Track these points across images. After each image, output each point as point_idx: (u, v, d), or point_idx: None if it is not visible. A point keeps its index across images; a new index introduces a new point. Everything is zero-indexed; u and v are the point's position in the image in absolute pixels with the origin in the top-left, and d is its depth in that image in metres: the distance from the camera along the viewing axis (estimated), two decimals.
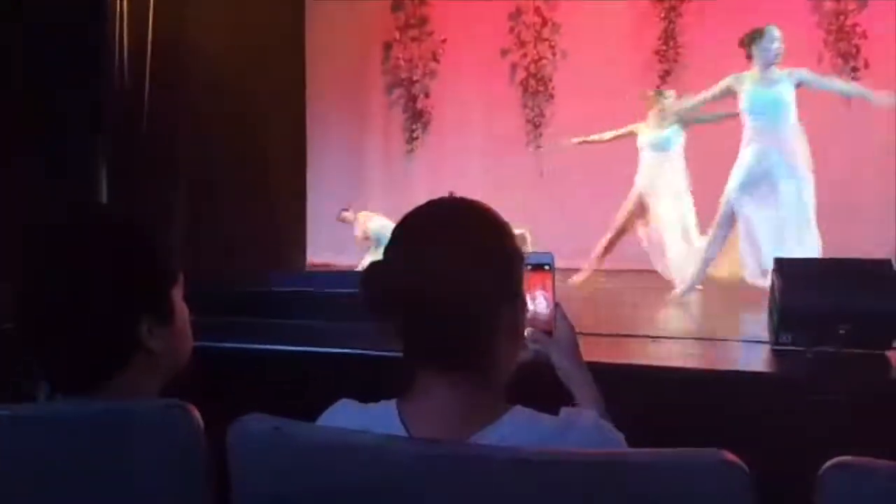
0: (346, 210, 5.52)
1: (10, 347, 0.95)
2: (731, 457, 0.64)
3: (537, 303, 1.06)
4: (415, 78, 6.02)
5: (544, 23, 5.80)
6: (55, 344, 0.92)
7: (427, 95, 6.02)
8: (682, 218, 4.28)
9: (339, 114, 5.97)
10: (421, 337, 0.85)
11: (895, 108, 3.85)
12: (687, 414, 1.63)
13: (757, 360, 2.03)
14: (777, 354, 1.92)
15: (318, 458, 0.74)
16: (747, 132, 3.69)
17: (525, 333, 1.04)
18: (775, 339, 1.93)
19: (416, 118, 6.05)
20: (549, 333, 1.07)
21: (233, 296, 2.55)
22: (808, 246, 3.50)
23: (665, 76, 5.56)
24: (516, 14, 5.85)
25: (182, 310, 1.01)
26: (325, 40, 5.67)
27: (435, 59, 5.97)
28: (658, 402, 1.61)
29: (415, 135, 6.05)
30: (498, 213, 0.89)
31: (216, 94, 3.88)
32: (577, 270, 4.47)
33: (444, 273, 0.82)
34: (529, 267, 1.04)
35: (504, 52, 5.87)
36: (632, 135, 4.56)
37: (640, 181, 4.45)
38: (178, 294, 1.01)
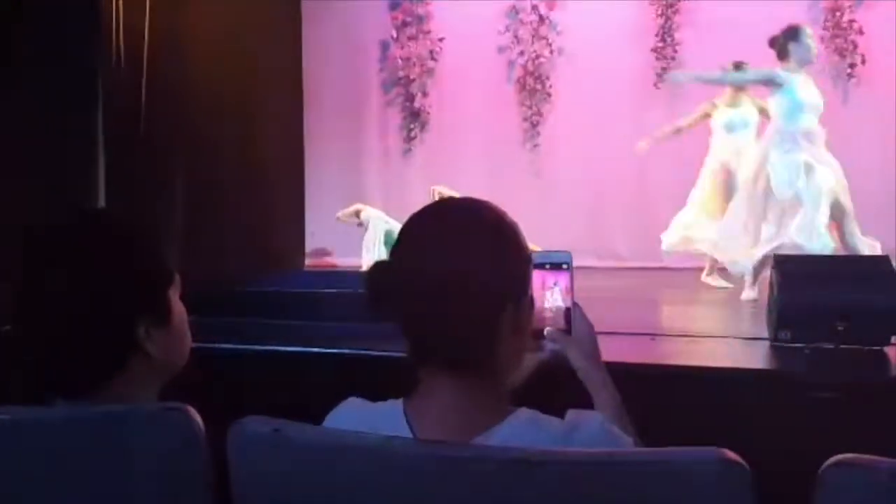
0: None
1: (9, 349, 0.95)
2: (731, 455, 0.64)
3: (554, 302, 1.05)
4: (412, 77, 6.01)
5: (542, 21, 5.79)
6: (53, 346, 0.92)
7: (425, 94, 6.01)
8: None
9: (337, 113, 5.95)
10: (425, 336, 0.84)
11: None
12: (686, 411, 1.64)
13: (756, 356, 2.03)
14: (776, 351, 1.92)
15: (318, 459, 0.74)
16: (798, 130, 3.64)
17: (545, 332, 1.04)
18: (774, 336, 1.94)
19: (414, 117, 6.04)
20: (567, 332, 1.06)
21: (230, 296, 2.55)
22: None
23: (662, 74, 5.56)
24: (513, 12, 5.84)
25: (180, 311, 1.01)
26: (322, 39, 5.66)
27: (432, 57, 5.96)
28: (657, 400, 1.61)
29: (412, 134, 6.04)
30: (506, 213, 0.89)
31: (213, 94, 3.87)
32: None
33: (448, 271, 0.81)
34: (548, 266, 1.04)
35: (501, 50, 5.86)
36: (706, 116, 4.44)
37: (719, 160, 4.29)
38: (175, 295, 1.01)
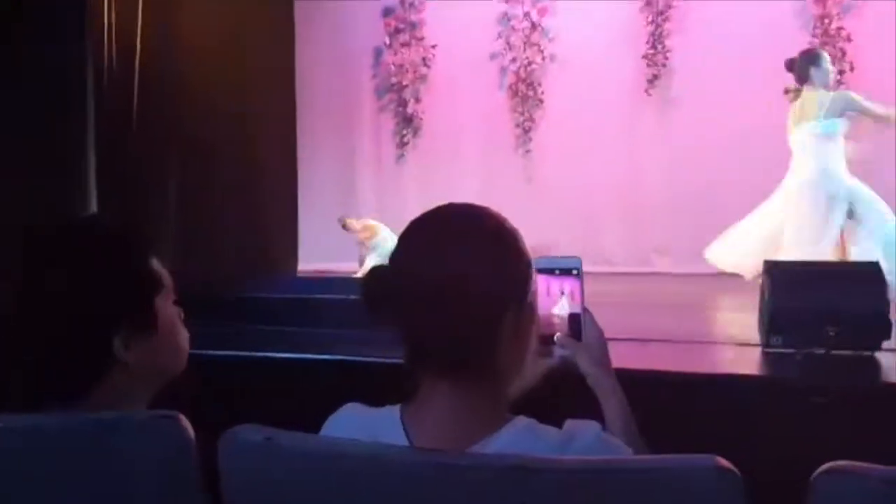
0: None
1: (10, 349, 0.94)
2: (724, 463, 0.64)
3: (564, 307, 1.05)
4: (405, 83, 6.02)
5: (534, 28, 5.82)
6: (29, 354, 0.91)
7: (418, 100, 6.02)
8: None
9: (330, 118, 5.95)
10: (423, 341, 0.84)
11: None
12: (677, 417, 1.64)
13: (748, 361, 2.03)
14: (768, 357, 1.93)
15: (310, 468, 0.73)
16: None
17: (555, 338, 1.03)
18: (766, 342, 1.94)
19: (407, 123, 6.05)
20: (577, 339, 1.05)
21: (223, 302, 2.53)
22: None
23: (653, 80, 5.59)
24: (506, 19, 5.87)
25: (169, 318, 1.00)
26: (316, 44, 5.66)
27: (425, 64, 5.97)
28: (650, 405, 1.61)
29: (405, 139, 6.05)
30: (506, 219, 0.88)
31: (206, 99, 3.86)
32: None
33: (447, 275, 0.81)
34: (557, 271, 1.04)
35: (493, 57, 5.88)
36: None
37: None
38: (164, 302, 0.99)
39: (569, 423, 0.84)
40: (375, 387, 0.99)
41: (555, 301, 1.04)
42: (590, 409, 1.00)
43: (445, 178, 5.55)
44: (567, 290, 1.04)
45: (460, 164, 5.74)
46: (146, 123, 3.52)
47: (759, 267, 2.33)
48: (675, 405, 1.68)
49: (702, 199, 5.21)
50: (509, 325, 0.84)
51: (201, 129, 3.83)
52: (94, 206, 3.14)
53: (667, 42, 5.58)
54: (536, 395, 0.91)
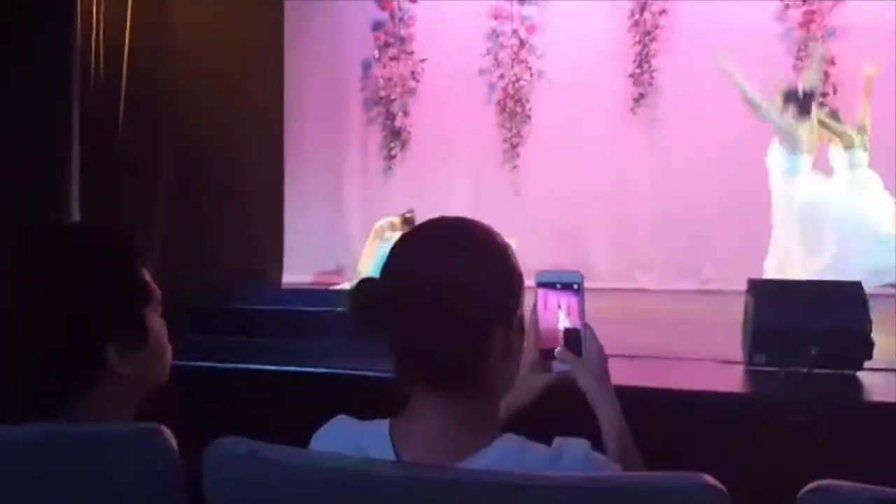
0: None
1: (9, 349, 0.92)
2: (711, 480, 0.64)
3: (564, 322, 1.04)
4: (394, 96, 6.04)
5: (522, 45, 5.87)
6: (16, 365, 0.90)
7: (406, 114, 6.04)
8: None
9: (318, 131, 5.96)
10: (413, 352, 0.84)
11: None
12: (661, 434, 1.64)
13: (731, 379, 2.04)
14: (751, 374, 1.94)
15: (295, 482, 0.73)
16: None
17: (555, 352, 1.03)
18: (749, 359, 1.95)
19: (395, 136, 6.06)
20: (576, 354, 1.04)
21: (208, 313, 2.51)
22: None
23: (639, 99, 5.65)
24: (494, 35, 5.91)
25: (158, 330, 0.99)
26: (305, 58, 5.67)
27: (414, 78, 6.00)
28: (631, 422, 1.61)
29: (393, 153, 6.06)
30: (497, 233, 0.88)
31: (194, 109, 3.85)
32: None
33: (438, 287, 0.81)
34: (558, 286, 1.04)
35: (482, 73, 5.92)
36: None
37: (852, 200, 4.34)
38: (153, 313, 0.99)
39: (558, 441, 0.84)
40: (363, 399, 0.98)
41: (555, 315, 1.04)
42: (587, 423, 1.00)
43: (432, 191, 5.56)
44: (567, 304, 1.04)
45: (447, 179, 5.76)
46: (132, 129, 3.50)
47: None
48: (658, 422, 1.68)
49: (687, 217, 5.26)
50: (500, 337, 0.84)
51: (190, 142, 3.82)
52: (76, 213, 3.11)
53: (653, 62, 5.65)
54: (534, 409, 0.90)
